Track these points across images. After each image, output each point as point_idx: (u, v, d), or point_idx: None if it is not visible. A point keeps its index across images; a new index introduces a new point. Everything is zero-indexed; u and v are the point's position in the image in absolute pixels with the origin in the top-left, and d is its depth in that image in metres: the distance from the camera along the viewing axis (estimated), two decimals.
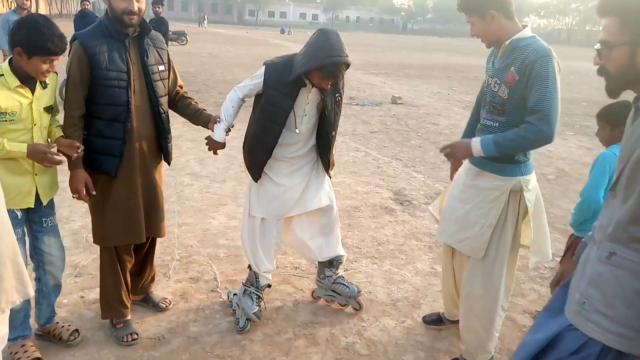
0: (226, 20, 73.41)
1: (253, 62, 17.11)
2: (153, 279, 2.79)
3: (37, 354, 2.24)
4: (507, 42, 2.07)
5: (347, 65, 2.26)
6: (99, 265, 2.48)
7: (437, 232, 2.51)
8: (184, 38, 22.45)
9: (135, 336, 2.46)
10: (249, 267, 2.70)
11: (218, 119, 2.48)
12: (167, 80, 2.45)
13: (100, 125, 2.23)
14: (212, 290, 3.00)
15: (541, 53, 1.99)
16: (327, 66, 2.20)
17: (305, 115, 2.46)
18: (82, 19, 7.66)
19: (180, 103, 2.59)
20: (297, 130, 2.47)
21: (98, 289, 2.86)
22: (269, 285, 2.76)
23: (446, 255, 2.55)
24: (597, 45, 1.37)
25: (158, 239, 2.74)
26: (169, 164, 2.60)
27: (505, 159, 2.13)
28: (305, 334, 2.63)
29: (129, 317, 2.51)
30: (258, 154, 2.50)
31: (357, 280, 3.14)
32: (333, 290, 2.83)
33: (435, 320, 2.74)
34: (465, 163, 2.37)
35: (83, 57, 2.14)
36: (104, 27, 2.20)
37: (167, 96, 2.46)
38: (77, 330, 2.44)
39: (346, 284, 2.80)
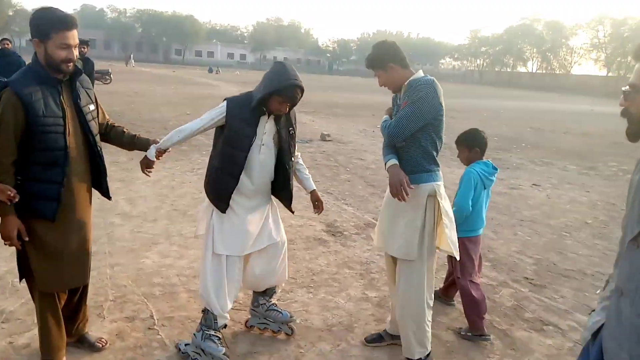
0: (152, 59, 72.24)
1: (181, 100, 17.03)
2: (86, 320, 2.75)
3: None
4: (405, 84, 2.56)
5: (302, 90, 2.49)
6: (37, 311, 2.42)
7: (377, 245, 2.87)
8: (107, 77, 21.90)
9: None
10: (204, 310, 2.69)
11: (155, 141, 2.62)
12: (97, 119, 2.51)
13: (37, 170, 2.22)
14: (149, 328, 2.99)
15: (423, 81, 2.51)
16: (285, 88, 2.43)
17: (263, 144, 2.61)
18: (2, 57, 7.39)
19: (112, 133, 2.64)
20: (261, 157, 2.60)
21: (27, 334, 2.78)
22: (225, 325, 2.76)
23: (390, 266, 2.82)
24: (626, 87, 1.36)
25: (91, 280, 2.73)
26: (109, 199, 2.65)
27: (419, 170, 2.54)
28: None
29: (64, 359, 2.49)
30: (225, 183, 2.57)
31: (293, 309, 3.26)
32: (266, 318, 2.95)
33: (375, 339, 2.95)
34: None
35: (17, 105, 2.10)
36: (35, 72, 2.19)
37: (99, 134, 2.51)
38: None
39: (279, 310, 2.94)
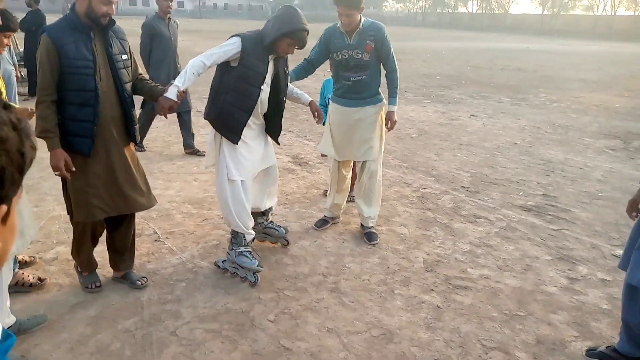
0: None
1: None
2: (132, 258, 2.99)
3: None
4: (360, 26, 3.26)
5: (308, 32, 2.77)
6: (73, 235, 2.77)
7: (336, 155, 3.62)
8: None
9: (99, 284, 2.84)
10: (232, 232, 3.06)
11: (172, 84, 2.68)
12: (130, 68, 2.66)
13: (72, 110, 2.45)
14: (156, 240, 3.55)
15: (382, 28, 3.28)
16: (297, 31, 2.70)
17: (265, 83, 2.85)
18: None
19: (138, 85, 2.80)
20: (262, 94, 2.84)
21: (52, 251, 3.30)
22: (253, 239, 3.16)
23: (336, 169, 3.72)
24: None
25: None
26: (135, 143, 2.78)
27: (375, 94, 3.43)
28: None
29: (95, 269, 2.89)
30: (238, 118, 2.80)
31: (275, 220, 3.90)
32: (264, 234, 3.41)
33: (323, 222, 3.83)
34: (337, 111, 3.52)
35: (51, 47, 2.36)
36: (70, 20, 2.43)
37: (130, 83, 2.67)
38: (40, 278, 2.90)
39: (276, 227, 3.38)
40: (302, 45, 2.78)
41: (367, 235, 3.64)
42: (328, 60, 3.59)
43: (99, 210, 2.60)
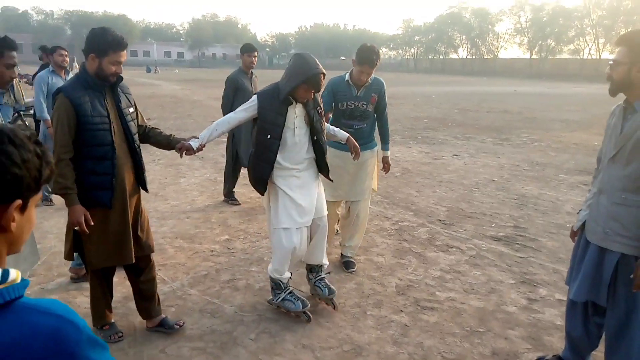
0: None
1: None
2: (159, 302, 3.03)
3: None
4: (369, 81, 3.73)
5: (324, 75, 2.83)
6: (89, 283, 2.89)
7: (332, 197, 3.80)
8: None
9: (121, 334, 2.89)
10: (270, 279, 3.18)
11: (195, 136, 2.90)
12: (137, 120, 2.83)
13: (91, 164, 2.57)
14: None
15: (383, 84, 3.88)
16: (310, 78, 2.78)
17: (296, 127, 2.95)
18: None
19: (151, 134, 2.93)
20: (296, 139, 2.95)
21: (53, 282, 3.58)
22: (290, 277, 3.24)
23: (333, 209, 3.97)
24: (611, 62, 2.18)
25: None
26: (146, 191, 2.91)
27: (372, 140, 3.90)
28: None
29: (113, 321, 2.96)
30: (261, 169, 2.95)
31: (260, 255, 4.19)
32: (315, 290, 3.33)
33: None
34: (337, 156, 3.77)
35: (69, 107, 2.49)
36: (83, 80, 2.57)
37: (137, 134, 2.81)
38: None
39: (321, 287, 3.26)
40: (317, 89, 2.89)
41: (345, 264, 3.94)
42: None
43: (116, 257, 2.73)
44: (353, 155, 3.24)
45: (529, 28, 65.43)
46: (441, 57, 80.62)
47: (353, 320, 3.16)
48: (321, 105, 3.07)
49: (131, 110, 2.77)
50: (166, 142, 2.93)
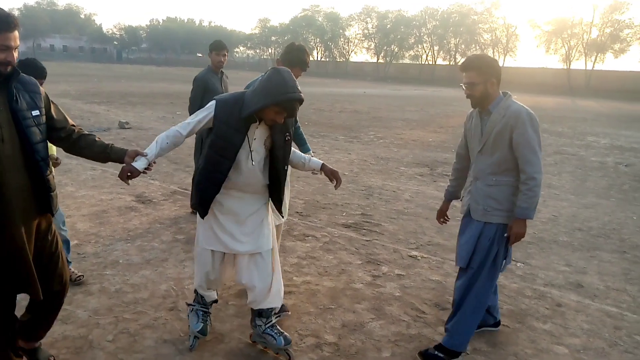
0: None
1: None
2: (40, 335, 2.57)
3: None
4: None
5: (302, 101, 2.41)
6: None
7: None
8: None
9: None
10: (194, 291, 2.91)
11: (142, 153, 2.41)
12: (42, 125, 2.19)
13: None
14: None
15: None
16: (285, 102, 2.34)
17: (253, 150, 2.51)
18: None
19: (82, 142, 2.38)
20: (252, 163, 2.52)
21: None
22: (216, 301, 2.98)
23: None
24: (464, 85, 2.67)
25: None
26: (52, 214, 2.32)
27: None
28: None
29: None
30: (206, 189, 2.54)
31: (114, 257, 4.06)
32: (263, 339, 2.79)
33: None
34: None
35: None
36: None
37: (44, 142, 2.21)
38: (82, 275, 3.52)
39: (274, 335, 2.73)
40: (290, 115, 2.46)
41: None
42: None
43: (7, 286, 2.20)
44: (334, 183, 2.81)
45: (375, 34, 70.73)
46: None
47: (215, 312, 3.26)
48: (290, 132, 2.61)
49: (34, 113, 2.14)
50: (104, 154, 2.40)
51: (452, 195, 3.14)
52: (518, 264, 4.34)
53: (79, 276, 3.55)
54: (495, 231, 2.71)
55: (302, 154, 2.89)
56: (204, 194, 2.56)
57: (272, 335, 2.73)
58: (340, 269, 4.05)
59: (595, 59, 52.04)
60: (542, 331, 3.22)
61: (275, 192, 2.69)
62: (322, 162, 2.83)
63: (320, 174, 2.84)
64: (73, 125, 2.39)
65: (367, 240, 4.75)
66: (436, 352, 2.80)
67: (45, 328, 2.57)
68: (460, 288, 2.81)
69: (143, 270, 3.85)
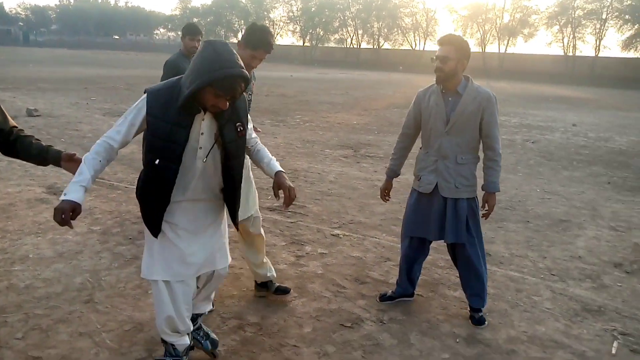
0: None
1: None
2: None
3: None
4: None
5: (245, 79, 1.93)
6: None
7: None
8: None
9: None
10: (162, 340, 2.46)
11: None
12: None
13: None
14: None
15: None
16: (219, 80, 1.87)
17: (201, 148, 2.08)
18: None
19: (19, 145, 2.22)
20: (204, 160, 2.10)
21: None
22: (192, 348, 2.53)
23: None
24: (436, 57, 2.76)
25: None
26: None
27: None
28: None
29: None
30: (152, 203, 2.12)
31: (24, 251, 3.83)
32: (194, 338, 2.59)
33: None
34: None
35: None
36: None
37: None
38: None
39: (201, 338, 2.58)
40: (232, 96, 1.95)
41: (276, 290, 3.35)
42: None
43: None
44: (283, 206, 2.33)
45: (300, 17, 70.36)
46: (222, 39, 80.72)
47: (134, 302, 3.19)
48: (243, 121, 2.14)
49: None
50: (41, 156, 2.21)
51: (395, 173, 3.26)
52: None
53: None
54: (468, 205, 2.98)
55: (266, 152, 2.40)
56: (150, 210, 2.13)
57: (198, 339, 2.58)
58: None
59: (508, 43, 55.22)
60: (452, 298, 3.46)
61: (229, 199, 2.25)
62: (280, 169, 2.33)
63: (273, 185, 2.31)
64: (13, 127, 2.24)
65: (291, 222, 4.81)
66: (480, 314, 3.12)
67: None
68: (471, 258, 3.04)
69: (56, 264, 3.67)
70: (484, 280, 3.12)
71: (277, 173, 2.30)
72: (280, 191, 2.29)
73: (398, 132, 3.24)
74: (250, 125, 2.31)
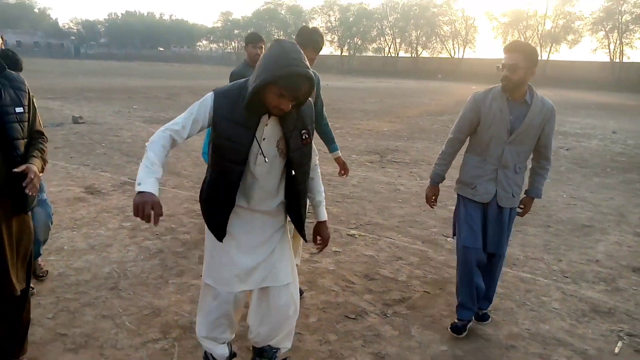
0: None
1: None
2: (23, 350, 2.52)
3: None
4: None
5: (310, 80, 1.83)
6: None
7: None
8: None
9: None
10: (204, 355, 2.44)
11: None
12: (26, 123, 2.23)
13: None
14: None
15: (317, 75, 3.00)
16: (282, 78, 1.79)
17: (261, 153, 2.00)
18: None
19: (25, 151, 2.27)
20: (257, 171, 2.03)
21: None
22: (234, 355, 2.49)
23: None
24: (501, 65, 2.64)
25: None
26: (25, 212, 2.30)
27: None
28: None
29: None
30: (217, 206, 2.07)
31: (60, 244, 4.15)
32: None
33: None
34: None
35: None
36: None
37: (23, 140, 2.22)
38: (46, 272, 3.47)
39: None
40: (295, 97, 1.86)
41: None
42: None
43: None
44: (318, 246, 2.34)
45: (338, 27, 70.96)
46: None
47: (155, 290, 3.42)
48: (308, 128, 2.04)
49: (18, 109, 2.17)
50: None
51: (442, 178, 3.10)
52: (448, 239, 4.66)
53: (43, 272, 3.52)
54: (514, 214, 2.98)
55: (320, 187, 2.32)
56: (215, 213, 2.08)
57: None
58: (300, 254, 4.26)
59: (550, 50, 53.88)
60: None
61: (294, 209, 2.17)
62: (325, 217, 2.32)
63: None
64: (37, 132, 2.35)
65: (309, 222, 4.94)
66: (484, 311, 3.16)
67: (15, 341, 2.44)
68: (498, 268, 3.08)
69: (87, 255, 3.97)
70: (495, 289, 3.18)
71: (322, 222, 2.31)
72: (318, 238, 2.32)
73: (428, 138, 3.42)
74: (315, 155, 2.20)
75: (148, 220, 1.74)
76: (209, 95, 1.99)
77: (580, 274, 4.00)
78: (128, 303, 3.22)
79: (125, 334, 2.86)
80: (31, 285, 3.08)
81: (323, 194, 2.33)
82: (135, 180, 1.86)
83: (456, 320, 3.02)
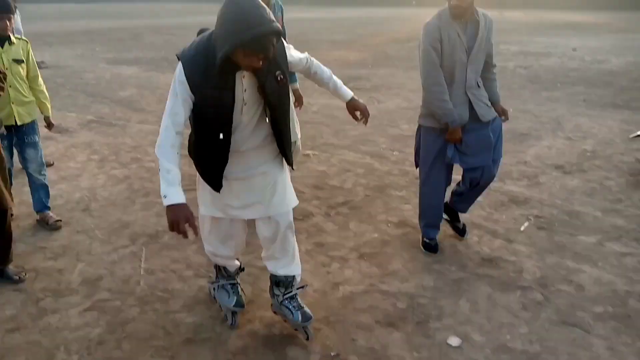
0: None
1: None
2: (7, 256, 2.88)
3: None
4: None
5: (277, 33, 1.77)
6: None
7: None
8: None
9: None
10: (214, 266, 2.58)
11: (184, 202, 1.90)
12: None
13: None
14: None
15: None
16: (248, 41, 1.73)
17: (246, 104, 2.02)
18: None
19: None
20: (243, 119, 2.04)
21: None
22: (242, 269, 2.62)
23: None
24: None
25: None
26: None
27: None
28: None
29: None
30: (211, 164, 2.12)
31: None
32: (281, 311, 2.44)
33: None
34: None
35: None
36: None
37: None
38: (60, 220, 3.53)
39: (291, 309, 2.37)
40: (265, 54, 1.81)
41: None
42: None
43: None
44: (361, 119, 2.37)
45: None
46: None
47: (123, 208, 3.80)
48: (282, 68, 2.02)
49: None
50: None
51: (457, 115, 2.87)
52: (395, 152, 5.08)
53: (57, 220, 3.56)
54: (498, 123, 3.01)
55: (326, 73, 2.31)
56: (212, 170, 2.12)
57: (289, 309, 2.37)
58: None
59: None
60: (395, 197, 3.99)
61: (279, 145, 2.19)
62: (351, 94, 2.34)
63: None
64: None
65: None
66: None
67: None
68: (491, 177, 3.13)
69: (59, 184, 4.31)
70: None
71: (351, 99, 2.33)
72: (357, 112, 2.35)
73: (392, 65, 3.65)
74: (293, 53, 2.16)
75: (185, 237, 1.82)
76: (179, 68, 1.93)
77: (507, 173, 4.49)
78: (99, 220, 3.61)
79: (98, 244, 3.28)
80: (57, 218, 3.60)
81: (334, 76, 2.33)
82: (100, 117, 2.15)
83: (427, 240, 3.16)
